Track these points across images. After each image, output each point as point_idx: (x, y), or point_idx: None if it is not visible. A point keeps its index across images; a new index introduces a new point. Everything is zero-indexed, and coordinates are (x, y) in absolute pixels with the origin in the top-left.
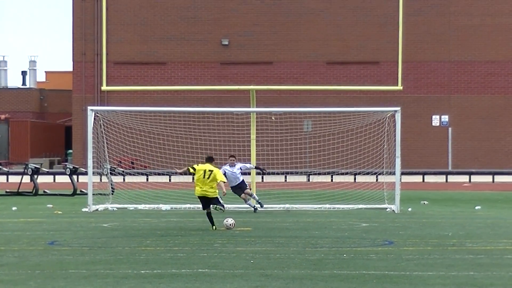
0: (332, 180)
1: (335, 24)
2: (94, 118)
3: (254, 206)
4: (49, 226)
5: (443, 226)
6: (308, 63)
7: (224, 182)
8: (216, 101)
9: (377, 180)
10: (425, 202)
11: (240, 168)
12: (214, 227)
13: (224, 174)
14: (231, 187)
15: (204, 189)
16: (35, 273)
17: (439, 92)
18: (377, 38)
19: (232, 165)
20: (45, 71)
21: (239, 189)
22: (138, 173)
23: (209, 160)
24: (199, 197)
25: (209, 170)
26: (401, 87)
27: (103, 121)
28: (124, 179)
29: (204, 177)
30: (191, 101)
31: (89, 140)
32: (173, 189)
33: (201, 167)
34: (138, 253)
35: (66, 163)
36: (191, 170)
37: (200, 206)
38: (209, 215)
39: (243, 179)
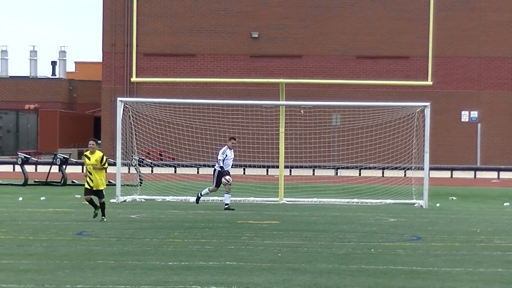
0: (360, 174)
1: (365, 18)
2: (123, 109)
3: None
4: (77, 217)
5: (471, 222)
6: (337, 57)
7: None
8: (245, 94)
9: (405, 175)
10: (453, 198)
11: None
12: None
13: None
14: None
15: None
16: (63, 263)
17: (469, 88)
18: (407, 33)
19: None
20: (74, 62)
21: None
22: (166, 165)
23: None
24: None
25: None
26: (431, 82)
27: (132, 112)
28: (152, 171)
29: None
30: (220, 93)
31: (118, 131)
32: (200, 181)
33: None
34: (165, 245)
35: None
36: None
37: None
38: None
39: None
